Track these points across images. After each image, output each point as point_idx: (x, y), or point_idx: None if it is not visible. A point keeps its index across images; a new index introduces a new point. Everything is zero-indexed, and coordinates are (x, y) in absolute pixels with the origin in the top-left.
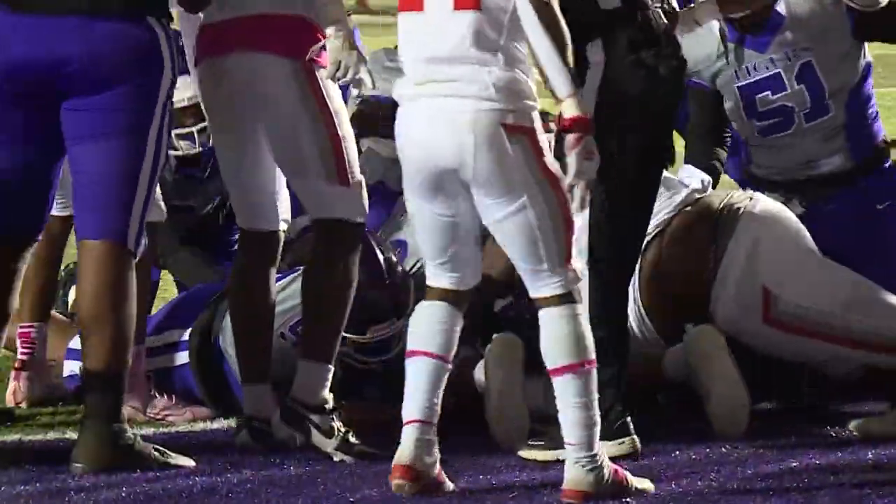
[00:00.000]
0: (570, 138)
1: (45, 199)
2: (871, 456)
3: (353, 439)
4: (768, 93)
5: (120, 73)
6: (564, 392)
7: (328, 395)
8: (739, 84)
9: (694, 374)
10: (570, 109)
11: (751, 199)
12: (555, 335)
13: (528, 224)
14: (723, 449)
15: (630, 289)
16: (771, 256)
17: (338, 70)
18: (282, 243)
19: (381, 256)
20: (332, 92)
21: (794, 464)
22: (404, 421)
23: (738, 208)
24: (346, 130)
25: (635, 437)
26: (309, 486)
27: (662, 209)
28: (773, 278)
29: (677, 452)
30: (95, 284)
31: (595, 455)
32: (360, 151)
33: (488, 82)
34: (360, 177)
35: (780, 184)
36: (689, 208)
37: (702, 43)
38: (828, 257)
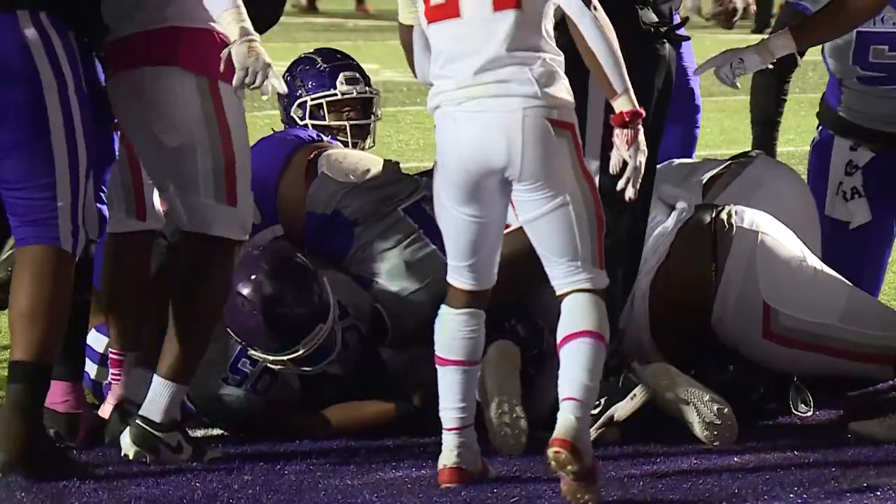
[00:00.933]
0: (628, 133)
1: None
2: (869, 458)
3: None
4: (886, 47)
5: None
6: (574, 353)
7: (176, 412)
8: (861, 28)
9: (668, 409)
10: (626, 104)
11: (735, 212)
12: (577, 309)
13: (570, 219)
14: (724, 456)
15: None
16: (768, 271)
17: (246, 76)
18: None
19: (296, 269)
20: (235, 108)
21: (794, 467)
22: (444, 427)
23: (731, 224)
24: (242, 147)
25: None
26: (310, 492)
27: (660, 242)
28: (771, 293)
29: (680, 457)
30: (28, 283)
31: (586, 413)
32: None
33: (533, 80)
34: (248, 193)
35: (858, 129)
36: (684, 230)
37: None
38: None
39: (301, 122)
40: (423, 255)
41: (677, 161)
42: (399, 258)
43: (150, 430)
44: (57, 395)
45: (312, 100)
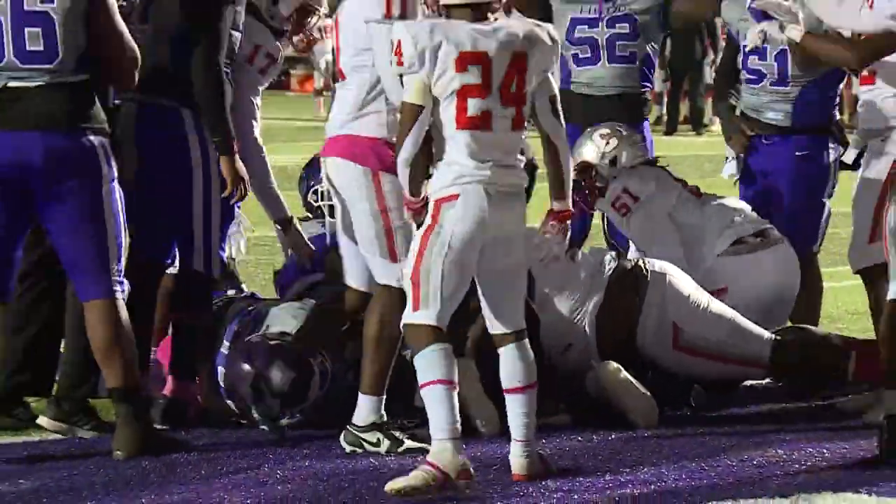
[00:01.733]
0: (565, 225)
1: (10, 263)
2: (749, 439)
3: (403, 440)
4: (756, 57)
5: (68, 180)
6: (520, 405)
7: (376, 416)
8: (744, 43)
9: (609, 398)
10: (567, 205)
11: (648, 261)
12: (517, 361)
13: (522, 272)
14: (648, 437)
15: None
16: (675, 301)
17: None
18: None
19: (289, 365)
20: (390, 190)
21: (696, 445)
22: (442, 437)
23: (648, 269)
24: (399, 219)
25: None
26: (351, 462)
27: (597, 286)
28: (678, 316)
29: (615, 433)
30: (103, 329)
31: (533, 448)
32: None
33: (522, 176)
34: (405, 251)
35: (743, 114)
36: (614, 276)
37: (737, 4)
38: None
39: (316, 205)
40: None
41: (740, 204)
42: None
43: (355, 431)
44: (175, 388)
45: (322, 187)
